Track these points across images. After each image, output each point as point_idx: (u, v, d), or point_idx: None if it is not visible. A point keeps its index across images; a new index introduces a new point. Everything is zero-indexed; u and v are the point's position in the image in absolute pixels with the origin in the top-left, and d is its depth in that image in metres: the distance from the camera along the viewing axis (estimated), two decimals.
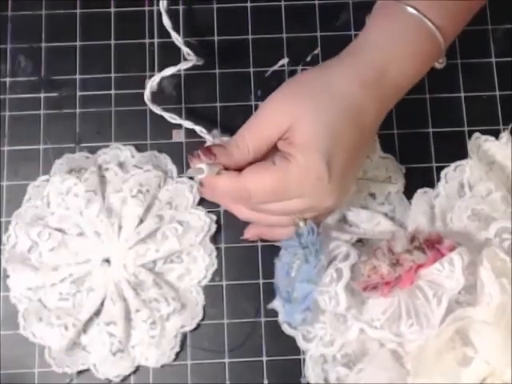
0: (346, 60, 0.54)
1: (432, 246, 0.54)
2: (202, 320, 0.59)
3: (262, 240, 0.60)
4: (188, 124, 0.58)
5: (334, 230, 0.58)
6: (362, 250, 0.57)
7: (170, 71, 0.58)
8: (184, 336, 0.58)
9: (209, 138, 0.58)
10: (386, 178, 0.62)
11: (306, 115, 0.52)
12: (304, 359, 0.58)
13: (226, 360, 0.58)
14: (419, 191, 0.61)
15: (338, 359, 0.56)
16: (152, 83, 0.59)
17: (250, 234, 0.59)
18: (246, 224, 0.59)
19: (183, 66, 0.58)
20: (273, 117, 0.52)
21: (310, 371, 0.57)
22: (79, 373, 0.57)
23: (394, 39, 0.54)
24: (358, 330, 0.55)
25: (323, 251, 0.54)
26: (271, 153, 0.53)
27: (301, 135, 0.51)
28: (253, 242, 0.60)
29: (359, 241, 0.59)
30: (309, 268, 0.54)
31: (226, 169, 0.53)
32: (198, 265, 0.59)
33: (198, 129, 0.58)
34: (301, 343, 0.57)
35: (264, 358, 0.58)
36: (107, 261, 0.58)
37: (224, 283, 0.60)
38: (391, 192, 0.61)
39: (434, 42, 0.55)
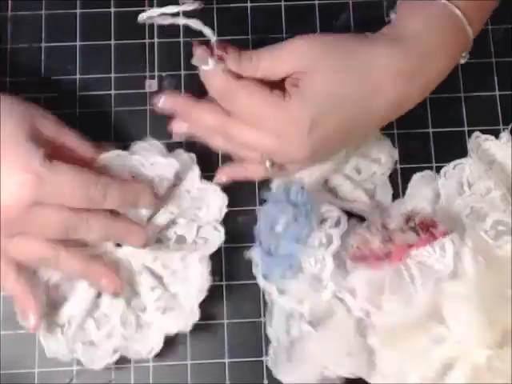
0: (386, 45, 0.54)
1: (426, 229, 0.55)
2: (202, 320, 0.59)
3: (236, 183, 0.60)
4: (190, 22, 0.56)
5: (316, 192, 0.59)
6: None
7: (170, 9, 0.56)
8: (184, 336, 0.58)
9: (208, 32, 0.56)
10: (377, 158, 0.62)
11: (324, 70, 0.53)
12: None
13: (226, 360, 0.58)
14: (418, 174, 0.62)
15: (305, 317, 0.57)
16: (151, 13, 0.57)
17: (223, 174, 0.60)
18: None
19: (184, 8, 0.56)
20: (295, 52, 0.54)
21: (275, 321, 0.57)
22: (79, 373, 0.57)
23: (433, 29, 0.54)
24: (331, 293, 0.55)
25: (314, 213, 0.55)
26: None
27: (307, 83, 0.53)
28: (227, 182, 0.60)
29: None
30: (298, 228, 0.54)
31: None
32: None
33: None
34: (274, 296, 0.57)
35: (263, 358, 0.58)
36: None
37: (224, 283, 0.60)
38: (377, 172, 0.62)
39: (464, 34, 0.55)
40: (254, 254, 0.57)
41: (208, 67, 0.54)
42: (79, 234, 0.53)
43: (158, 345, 0.57)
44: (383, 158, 0.62)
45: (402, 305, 0.53)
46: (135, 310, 0.57)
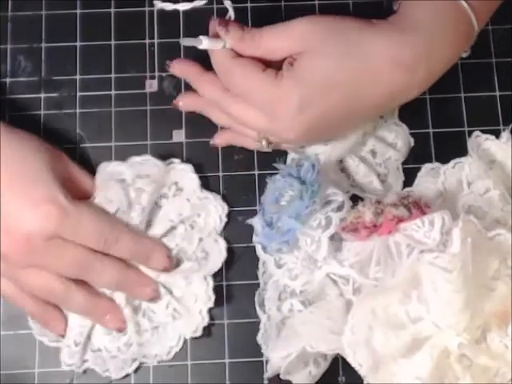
0: (390, 33, 0.54)
1: (418, 207, 0.55)
2: None
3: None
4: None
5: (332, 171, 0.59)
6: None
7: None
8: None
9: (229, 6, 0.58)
10: (393, 143, 0.62)
11: (321, 55, 0.53)
12: None
13: (226, 360, 0.58)
14: (428, 165, 0.62)
15: (297, 294, 0.57)
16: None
17: (220, 139, 0.61)
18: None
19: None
20: (297, 33, 0.53)
21: (268, 297, 0.58)
22: (79, 373, 0.57)
23: (439, 21, 0.54)
24: (325, 274, 0.55)
25: (320, 194, 0.55)
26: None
27: (302, 64, 0.53)
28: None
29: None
30: (301, 205, 0.54)
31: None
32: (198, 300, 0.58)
33: None
34: (271, 268, 0.58)
35: (264, 358, 0.58)
36: None
37: (224, 283, 0.60)
38: (391, 157, 0.62)
39: (469, 27, 0.55)
40: (256, 223, 0.58)
41: (202, 46, 0.54)
42: (91, 275, 0.54)
43: (176, 344, 0.57)
44: (400, 143, 0.62)
45: (387, 276, 0.53)
46: (147, 313, 0.58)
